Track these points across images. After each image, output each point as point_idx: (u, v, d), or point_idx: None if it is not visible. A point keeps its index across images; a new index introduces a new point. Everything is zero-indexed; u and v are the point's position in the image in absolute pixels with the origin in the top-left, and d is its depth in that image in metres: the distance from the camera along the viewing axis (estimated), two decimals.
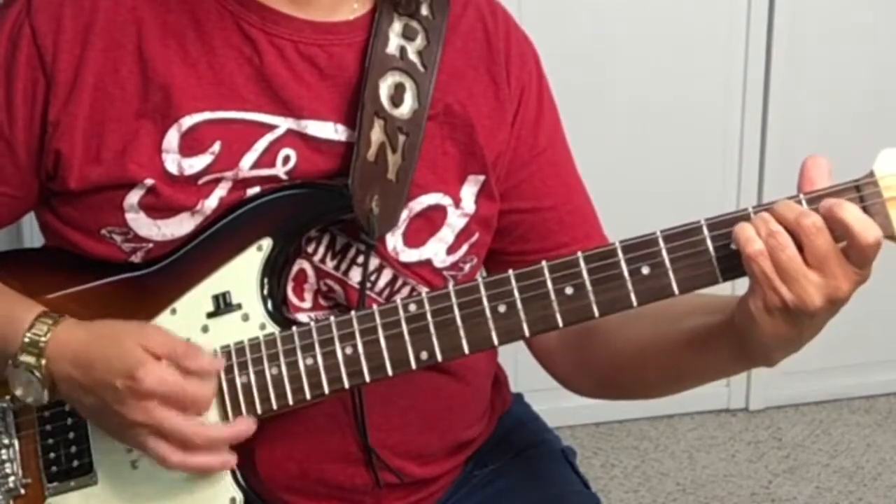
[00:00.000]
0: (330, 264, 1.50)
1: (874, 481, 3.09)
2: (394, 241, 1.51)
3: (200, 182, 1.46)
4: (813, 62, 3.24)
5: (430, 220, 1.53)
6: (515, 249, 1.61)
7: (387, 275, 1.52)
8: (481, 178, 1.55)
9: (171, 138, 1.45)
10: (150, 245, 1.47)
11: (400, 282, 1.52)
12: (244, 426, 1.41)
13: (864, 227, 1.25)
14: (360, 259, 1.49)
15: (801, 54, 3.22)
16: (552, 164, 1.61)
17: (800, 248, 1.26)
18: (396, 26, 1.52)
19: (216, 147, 1.46)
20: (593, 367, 1.60)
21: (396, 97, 1.49)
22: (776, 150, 3.24)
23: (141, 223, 1.46)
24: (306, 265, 1.49)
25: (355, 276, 1.49)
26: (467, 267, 1.57)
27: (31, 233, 2.56)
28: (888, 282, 3.27)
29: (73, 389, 1.42)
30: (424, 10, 1.53)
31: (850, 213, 1.25)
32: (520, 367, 2.49)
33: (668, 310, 1.38)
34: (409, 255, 1.53)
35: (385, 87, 1.49)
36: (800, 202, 1.29)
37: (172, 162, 1.45)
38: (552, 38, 3.04)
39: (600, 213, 1.67)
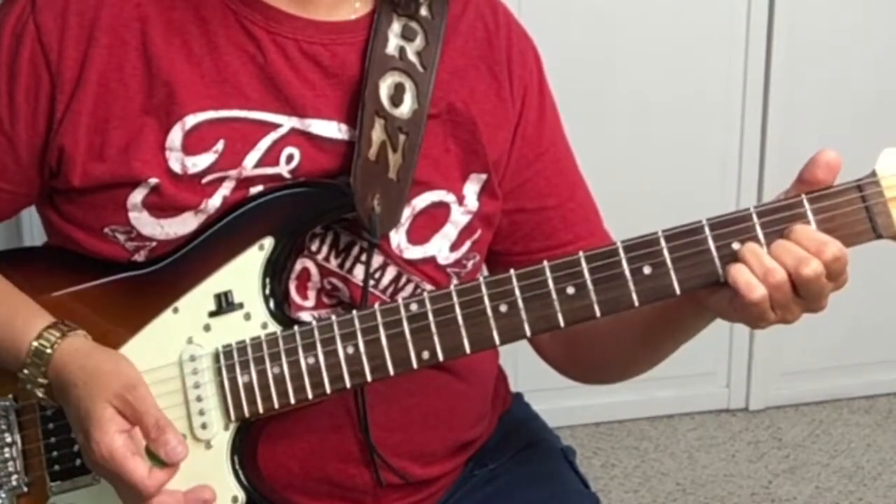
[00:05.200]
0: (334, 262, 1.50)
1: (874, 481, 3.09)
2: (398, 238, 1.52)
3: (204, 181, 1.46)
4: (813, 62, 3.24)
5: (434, 217, 1.53)
6: (519, 249, 1.61)
7: (391, 272, 1.52)
8: (483, 176, 1.56)
9: (175, 136, 1.45)
10: (154, 244, 1.47)
11: (404, 279, 1.53)
12: (199, 502, 1.40)
13: (749, 288, 1.29)
14: (364, 257, 1.49)
15: (801, 54, 3.22)
16: (555, 162, 1.62)
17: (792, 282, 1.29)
18: (395, 27, 1.52)
19: (220, 146, 1.46)
20: (581, 357, 1.62)
21: (396, 97, 1.49)
22: (776, 150, 3.25)
23: (144, 222, 1.47)
24: (310, 264, 1.50)
25: (359, 273, 1.50)
26: (470, 264, 1.58)
27: (30, 230, 2.56)
28: (888, 282, 3.30)
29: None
30: (424, 11, 1.54)
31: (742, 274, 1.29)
32: (520, 367, 2.49)
33: None
34: (412, 252, 1.53)
35: (385, 88, 1.49)
36: (801, 203, 1.30)
37: (176, 160, 1.45)
38: (552, 39, 3.03)
39: (601, 213, 1.68)
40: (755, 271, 1.29)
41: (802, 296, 1.30)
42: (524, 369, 2.67)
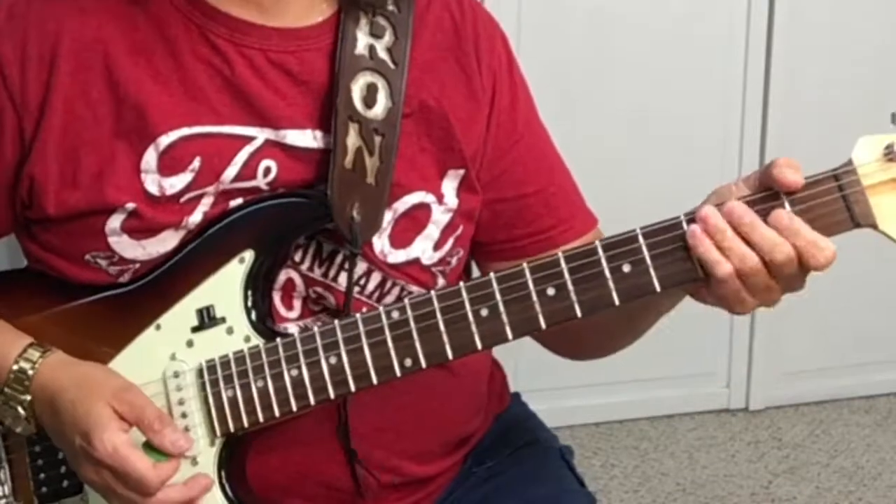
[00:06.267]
0: (318, 272, 1.49)
1: (874, 481, 3.09)
2: (381, 243, 1.51)
3: (182, 200, 1.45)
4: (813, 62, 3.24)
5: (416, 220, 1.53)
6: (503, 237, 1.61)
7: (376, 278, 1.52)
8: (461, 171, 1.55)
9: (150, 158, 1.44)
10: (137, 265, 1.46)
11: (389, 283, 1.52)
12: (200, 488, 1.39)
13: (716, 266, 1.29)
14: (348, 265, 1.48)
15: (801, 54, 3.23)
16: (531, 148, 1.61)
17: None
18: (363, 24, 1.50)
19: (196, 164, 1.45)
20: (571, 335, 1.60)
21: (369, 98, 1.48)
22: (776, 150, 3.25)
23: (125, 245, 1.45)
24: (294, 274, 1.49)
25: (344, 281, 1.49)
26: (454, 260, 1.57)
27: None
28: (888, 282, 3.29)
29: (48, 429, 1.43)
30: (390, 5, 1.52)
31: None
32: (519, 367, 2.49)
33: None
34: (396, 256, 1.52)
35: (357, 90, 1.48)
36: (783, 206, 1.29)
37: (153, 182, 1.44)
38: (552, 40, 3.05)
39: (599, 214, 1.67)
40: (724, 250, 1.29)
41: (775, 277, 1.30)
42: (523, 369, 2.67)
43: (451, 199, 1.54)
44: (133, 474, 1.33)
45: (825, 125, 3.21)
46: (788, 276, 1.29)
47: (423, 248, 1.54)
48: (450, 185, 1.54)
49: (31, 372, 1.41)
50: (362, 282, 1.51)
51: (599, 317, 1.46)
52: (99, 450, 1.34)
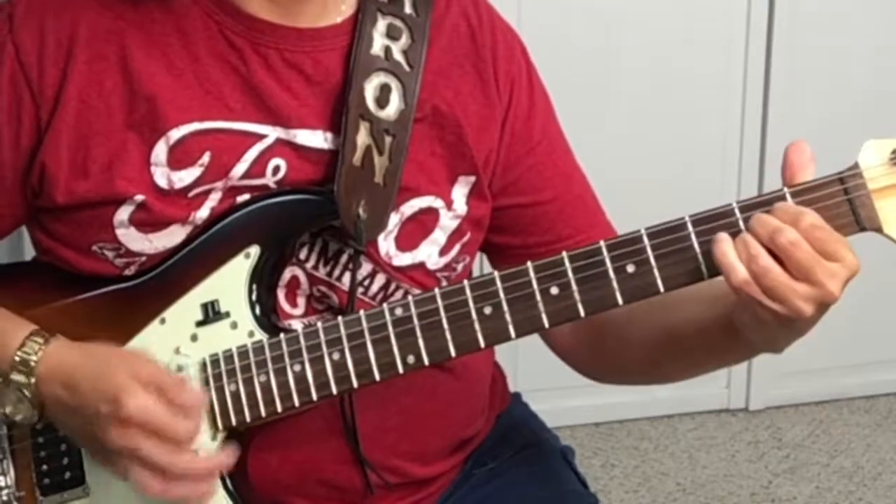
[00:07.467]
0: (322, 271, 1.49)
1: (874, 481, 3.09)
2: (386, 245, 1.51)
3: (191, 195, 1.45)
4: (813, 62, 3.24)
5: (422, 224, 1.53)
6: (519, 243, 1.61)
7: (380, 279, 1.52)
8: (472, 178, 1.55)
9: (160, 151, 1.44)
10: (143, 258, 1.47)
11: (393, 286, 1.52)
12: (224, 456, 1.39)
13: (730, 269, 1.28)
14: (353, 264, 1.49)
15: (801, 54, 3.23)
16: (548, 155, 1.61)
17: (781, 263, 1.27)
18: (380, 26, 1.51)
19: (206, 158, 1.45)
20: (609, 361, 1.61)
21: (382, 99, 1.49)
22: (776, 150, 3.23)
23: (132, 238, 1.46)
24: (299, 272, 1.49)
25: (348, 281, 1.49)
26: (460, 266, 1.57)
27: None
28: (888, 282, 3.29)
29: (59, 410, 1.41)
30: (408, 9, 1.53)
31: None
32: (519, 367, 2.48)
33: (668, 298, 1.37)
34: (401, 259, 1.53)
35: (370, 89, 1.48)
36: (784, 197, 1.29)
37: (162, 175, 1.44)
38: (552, 38, 3.05)
39: (602, 205, 1.67)
40: (739, 254, 1.28)
41: (796, 274, 1.27)
42: (524, 369, 2.68)
43: (461, 206, 1.54)
44: (170, 426, 1.33)
45: (825, 125, 3.21)
46: (805, 267, 1.27)
47: (428, 253, 1.54)
48: (460, 192, 1.54)
49: (35, 357, 1.41)
50: (366, 283, 1.51)
51: (650, 348, 1.50)
52: (130, 406, 1.33)
